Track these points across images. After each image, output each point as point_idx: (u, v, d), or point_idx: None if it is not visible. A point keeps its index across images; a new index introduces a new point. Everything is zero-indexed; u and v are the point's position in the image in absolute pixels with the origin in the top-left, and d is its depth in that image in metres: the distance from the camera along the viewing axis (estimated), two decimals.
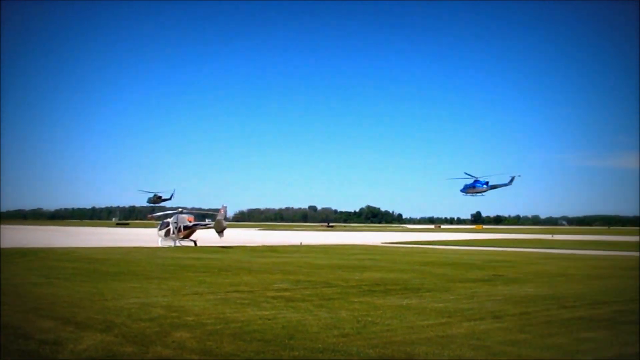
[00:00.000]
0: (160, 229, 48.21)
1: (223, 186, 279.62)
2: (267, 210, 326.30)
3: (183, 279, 19.69)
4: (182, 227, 46.59)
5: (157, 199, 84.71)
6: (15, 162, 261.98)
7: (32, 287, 16.80)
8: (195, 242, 46.83)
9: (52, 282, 18.29)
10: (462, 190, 60.32)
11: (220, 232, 44.89)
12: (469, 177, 58.54)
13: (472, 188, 59.72)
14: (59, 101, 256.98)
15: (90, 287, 17.08)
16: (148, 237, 63.76)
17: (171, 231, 46.74)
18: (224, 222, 45.05)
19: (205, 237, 54.01)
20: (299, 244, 50.40)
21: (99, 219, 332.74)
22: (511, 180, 57.58)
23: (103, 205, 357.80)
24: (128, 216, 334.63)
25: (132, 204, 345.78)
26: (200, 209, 55.60)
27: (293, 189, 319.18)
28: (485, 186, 58.92)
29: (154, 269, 23.29)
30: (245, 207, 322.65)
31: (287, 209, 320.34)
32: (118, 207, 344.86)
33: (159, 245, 44.80)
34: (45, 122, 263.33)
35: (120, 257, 29.11)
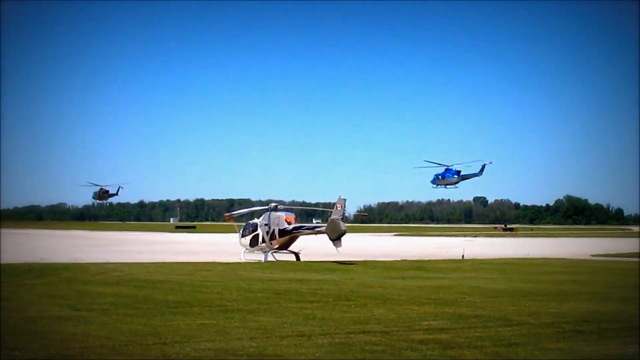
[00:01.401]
0: (243, 236, 49.53)
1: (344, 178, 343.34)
2: (409, 205, 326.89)
3: (280, 312, 19.97)
4: (277, 232, 47.53)
5: (103, 193, 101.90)
6: (21, 152, 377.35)
7: (54, 324, 17.54)
8: (297, 254, 47.61)
9: (84, 315, 19.03)
10: (432, 182, 76.11)
11: (336, 238, 45.10)
12: (436, 165, 73.79)
13: (442, 179, 75.46)
14: (62, 99, 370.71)
15: (139, 323, 17.60)
16: (225, 246, 65.89)
17: (260, 238, 47.87)
18: (342, 223, 45.13)
19: (311, 246, 54.56)
20: (460, 257, 50.82)
21: (151, 219, 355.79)
22: (481, 170, 72.83)
23: (155, 200, 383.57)
24: (194, 215, 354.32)
25: (199, 197, 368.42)
26: (303, 204, 56.26)
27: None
28: (456, 176, 74.54)
29: (235, 296, 23.78)
30: (372, 201, 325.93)
31: (440, 202, 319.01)
32: (179, 201, 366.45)
33: (242, 259, 45.98)
34: (63, 114, 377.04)
35: (183, 279, 30.08)
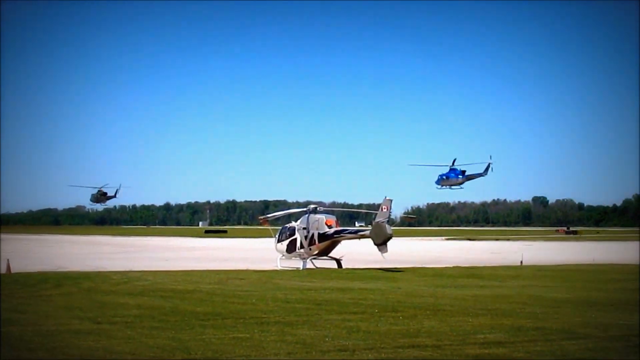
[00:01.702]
0: (279, 240, 49.65)
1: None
2: (462, 206, 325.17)
3: (320, 324, 19.98)
4: (316, 237, 47.58)
5: (101, 195, 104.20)
6: (38, 152, 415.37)
7: (73, 338, 17.72)
8: (339, 261, 47.60)
9: (105, 329, 19.19)
10: (436, 182, 79.61)
11: (382, 243, 45.00)
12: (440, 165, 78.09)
13: (446, 179, 78.95)
14: (61, 99, 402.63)
15: (166, 338, 17.72)
16: (259, 253, 66.08)
17: (299, 243, 47.93)
18: (388, 226, 45.01)
19: (354, 251, 54.48)
20: (519, 263, 50.58)
21: (178, 223, 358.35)
22: (486, 169, 76.98)
23: (182, 202, 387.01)
24: (225, 219, 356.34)
25: (231, 198, 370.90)
26: (344, 205, 56.30)
27: (509, 172, 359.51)
28: (460, 176, 78.35)
29: (271, 307, 23.86)
30: (421, 202, 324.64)
31: (495, 202, 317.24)
32: (208, 203, 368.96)
33: (279, 267, 46.14)
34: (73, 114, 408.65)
35: (214, 288, 30.25)
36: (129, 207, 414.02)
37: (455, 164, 79.10)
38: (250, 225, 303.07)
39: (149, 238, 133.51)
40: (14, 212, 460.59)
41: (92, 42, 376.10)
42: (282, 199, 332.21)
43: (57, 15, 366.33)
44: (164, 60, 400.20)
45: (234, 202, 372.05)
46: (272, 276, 37.67)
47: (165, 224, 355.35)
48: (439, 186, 79.93)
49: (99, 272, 39.51)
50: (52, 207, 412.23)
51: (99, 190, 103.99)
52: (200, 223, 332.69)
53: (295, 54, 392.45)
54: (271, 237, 52.63)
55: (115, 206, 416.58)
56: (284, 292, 28.72)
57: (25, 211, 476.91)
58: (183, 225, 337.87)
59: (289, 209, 54.84)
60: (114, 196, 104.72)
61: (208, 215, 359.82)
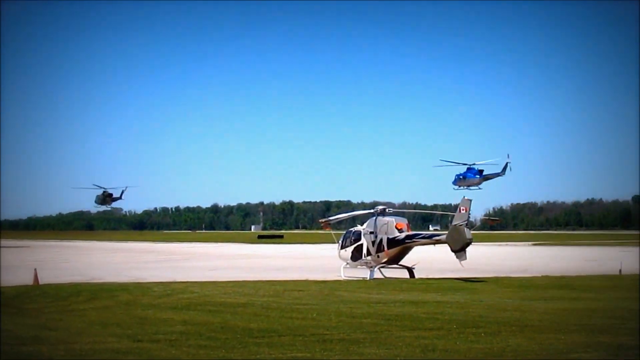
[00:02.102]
0: (343, 247, 49.66)
1: None
2: (551, 207, 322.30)
3: (391, 342, 19.95)
4: (385, 242, 47.51)
5: (106, 197, 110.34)
6: (65, 151, 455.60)
7: (110, 358, 17.98)
8: (411, 270, 47.49)
9: (147, 348, 19.36)
10: (453, 183, 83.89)
11: (460, 249, 44.72)
12: (455, 164, 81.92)
13: (463, 179, 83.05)
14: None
15: (216, 357, 17.89)
16: (319, 260, 66.13)
17: (365, 250, 47.89)
18: (467, 230, 44.67)
19: (428, 259, 54.19)
20: (617, 272, 50.10)
21: (227, 228, 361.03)
22: (504, 169, 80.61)
23: (232, 203, 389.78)
24: (281, 222, 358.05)
25: (287, 199, 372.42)
26: (417, 206, 56.12)
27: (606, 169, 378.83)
28: (477, 176, 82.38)
29: (334, 323, 23.88)
30: (504, 202, 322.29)
31: (590, 202, 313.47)
32: (262, 204, 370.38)
33: (342, 277, 46.16)
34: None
35: (269, 302, 30.33)
36: (171, 209, 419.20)
37: (472, 163, 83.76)
38: (310, 229, 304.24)
39: (194, 244, 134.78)
40: (41, 216, 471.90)
41: (118, 41, 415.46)
42: (346, 199, 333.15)
43: (67, 16, 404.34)
44: (221, 56, 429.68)
45: (290, 203, 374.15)
46: (335, 287, 37.65)
47: (212, 229, 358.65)
48: (456, 187, 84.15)
49: (139, 283, 39.95)
50: (84, 209, 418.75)
51: (104, 192, 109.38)
52: (253, 227, 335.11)
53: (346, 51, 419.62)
54: (333, 242, 52.70)
55: (155, 208, 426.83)
56: (349, 306, 28.66)
57: (54, 214, 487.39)
58: (233, 230, 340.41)
59: (353, 210, 54.85)
60: (120, 197, 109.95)
61: (261, 218, 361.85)
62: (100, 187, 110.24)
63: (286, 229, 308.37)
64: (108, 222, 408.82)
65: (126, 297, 31.98)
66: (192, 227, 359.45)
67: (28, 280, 39.71)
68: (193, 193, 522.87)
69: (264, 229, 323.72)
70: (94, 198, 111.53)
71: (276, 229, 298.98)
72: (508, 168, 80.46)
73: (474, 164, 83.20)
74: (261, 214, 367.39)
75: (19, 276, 46.12)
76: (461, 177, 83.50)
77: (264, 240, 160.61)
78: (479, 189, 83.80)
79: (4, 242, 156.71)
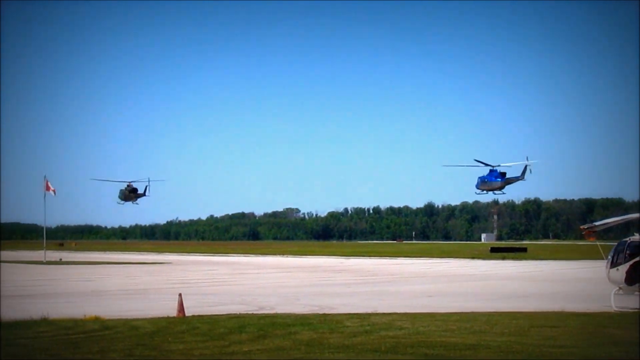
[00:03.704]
0: (613, 265, 48.53)
1: None
2: None
3: None
4: None
5: (129, 192, 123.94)
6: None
7: None
8: None
9: None
10: (476, 186, 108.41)
11: None
12: (480, 164, 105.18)
13: (485, 182, 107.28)
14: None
15: None
16: (578, 284, 64.95)
17: None
18: None
19: None
20: None
21: (447, 236, 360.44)
22: (523, 172, 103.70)
23: (455, 202, 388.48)
24: (523, 229, 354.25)
25: (531, 196, 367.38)
26: None
27: None
28: (499, 180, 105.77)
29: None
30: None
31: None
32: (496, 203, 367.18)
33: (613, 307, 45.21)
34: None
35: (509, 342, 29.79)
36: (368, 210, 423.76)
37: (494, 165, 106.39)
38: (564, 239, 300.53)
39: (400, 260, 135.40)
40: (187, 220, 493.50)
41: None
42: (616, 196, 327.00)
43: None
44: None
45: (536, 202, 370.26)
46: (603, 323, 36.94)
47: (426, 238, 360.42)
48: (479, 190, 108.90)
49: (325, 315, 40.16)
50: (246, 211, 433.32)
51: (127, 185, 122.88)
52: (484, 236, 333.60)
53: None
54: (600, 258, 51.63)
55: (346, 209, 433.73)
56: (623, 349, 28.17)
57: (203, 218, 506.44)
58: (455, 240, 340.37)
59: (626, 213, 53.36)
60: (144, 194, 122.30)
61: (495, 224, 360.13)
62: (123, 181, 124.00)
63: (530, 239, 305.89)
64: (279, 228, 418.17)
65: (307, 334, 31.95)
66: (397, 236, 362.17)
67: (170, 309, 40.60)
68: (397, 189, 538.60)
69: (498, 238, 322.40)
70: (117, 193, 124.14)
71: (516, 239, 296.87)
72: (528, 171, 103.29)
73: (498, 166, 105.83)
74: (495, 217, 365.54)
75: (157, 303, 47.39)
76: (484, 180, 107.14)
77: (498, 254, 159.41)
78: (503, 193, 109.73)
79: (140, 256, 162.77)
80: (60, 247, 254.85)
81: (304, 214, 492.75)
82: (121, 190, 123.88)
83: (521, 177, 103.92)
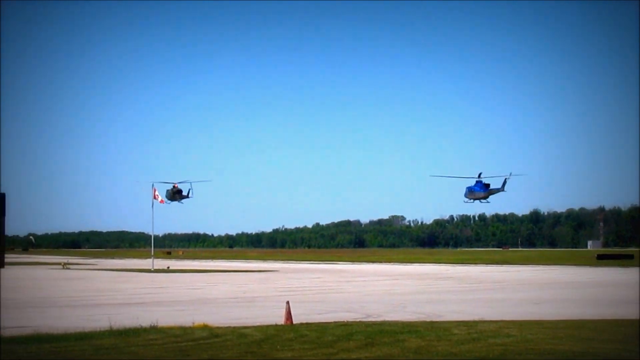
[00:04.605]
0: None
1: None
2: None
3: None
4: None
5: (174, 193, 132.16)
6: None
7: None
8: None
9: None
10: (465, 195, 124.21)
11: None
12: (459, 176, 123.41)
13: (472, 192, 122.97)
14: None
15: None
16: None
17: None
18: None
19: None
20: None
21: (553, 243, 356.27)
22: (503, 184, 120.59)
23: (561, 209, 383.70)
24: (630, 235, 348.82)
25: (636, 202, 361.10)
26: None
27: None
28: (483, 191, 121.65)
29: None
30: None
31: None
32: (602, 210, 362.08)
33: None
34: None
35: (621, 350, 29.37)
36: (473, 217, 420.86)
37: (480, 177, 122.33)
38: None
39: (506, 268, 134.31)
40: (292, 227, 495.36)
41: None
42: None
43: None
44: None
45: None
46: None
47: (532, 245, 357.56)
48: (467, 199, 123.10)
49: (432, 322, 39.96)
50: (351, 219, 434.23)
51: (173, 186, 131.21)
52: (590, 243, 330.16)
53: None
54: None
55: (451, 216, 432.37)
56: None
57: (310, 226, 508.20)
58: (560, 247, 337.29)
59: None
60: (187, 196, 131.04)
61: (601, 231, 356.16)
62: (169, 182, 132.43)
63: (636, 246, 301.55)
64: (384, 236, 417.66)
65: (415, 342, 31.73)
66: (502, 244, 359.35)
67: (277, 317, 40.67)
68: (502, 195, 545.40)
69: (605, 245, 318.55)
70: (165, 193, 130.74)
71: (622, 246, 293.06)
72: (507, 184, 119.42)
73: (480, 179, 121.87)
74: (601, 224, 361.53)
75: (265, 311, 47.54)
76: (472, 189, 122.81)
77: (605, 261, 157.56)
78: (488, 202, 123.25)
79: (247, 264, 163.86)
80: (168, 255, 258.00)
81: (409, 221, 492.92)
82: (167, 190, 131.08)
83: (501, 189, 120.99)
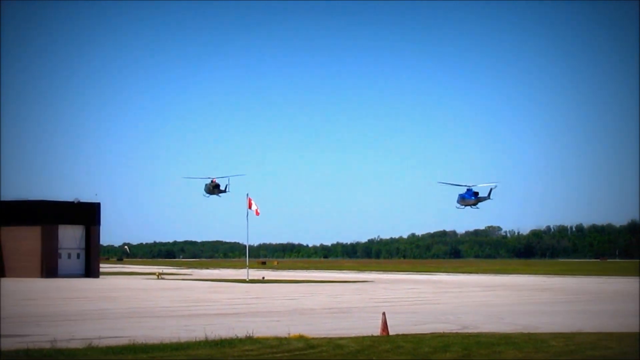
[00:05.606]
0: None
1: None
2: None
3: None
4: None
5: (213, 188, 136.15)
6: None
7: None
8: None
9: None
10: (457, 201, 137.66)
11: None
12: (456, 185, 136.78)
13: (463, 200, 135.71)
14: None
15: None
16: None
17: None
18: None
19: None
20: None
21: None
22: (489, 193, 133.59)
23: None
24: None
25: None
26: None
27: None
28: (473, 198, 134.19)
29: None
30: None
31: None
32: None
33: None
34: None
35: None
36: (570, 228, 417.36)
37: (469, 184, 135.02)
38: None
39: (606, 279, 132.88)
40: (387, 238, 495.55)
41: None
42: None
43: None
44: None
45: None
46: None
47: (631, 256, 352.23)
48: (459, 205, 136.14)
49: (529, 334, 39.29)
50: (448, 229, 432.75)
51: (212, 181, 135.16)
52: None
53: None
54: None
55: (548, 227, 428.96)
56: None
57: (405, 236, 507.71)
58: None
59: None
60: (225, 190, 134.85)
61: None
62: (209, 177, 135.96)
63: None
64: (480, 246, 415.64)
65: (512, 353, 31.63)
66: (600, 255, 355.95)
67: (373, 328, 40.61)
68: (600, 206, 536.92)
69: None
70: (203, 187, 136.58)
71: None
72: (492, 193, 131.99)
73: (472, 186, 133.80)
74: None
75: (361, 322, 47.55)
76: (464, 197, 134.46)
77: None
78: (477, 208, 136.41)
79: (342, 275, 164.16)
80: (263, 265, 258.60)
81: (505, 232, 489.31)
82: (206, 184, 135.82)
83: (488, 197, 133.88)
